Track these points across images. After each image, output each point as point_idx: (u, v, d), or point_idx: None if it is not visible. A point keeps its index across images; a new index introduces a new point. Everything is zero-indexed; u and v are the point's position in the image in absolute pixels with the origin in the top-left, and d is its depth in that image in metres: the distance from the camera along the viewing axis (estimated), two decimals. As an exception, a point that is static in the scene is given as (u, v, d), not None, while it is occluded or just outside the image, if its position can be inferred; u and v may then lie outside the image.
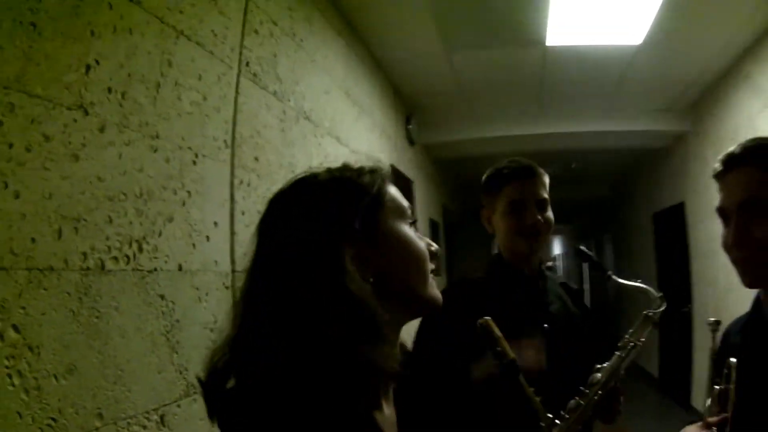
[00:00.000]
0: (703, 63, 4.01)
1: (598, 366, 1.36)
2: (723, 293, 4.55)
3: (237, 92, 1.81)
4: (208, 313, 1.59)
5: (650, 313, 1.42)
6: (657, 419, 5.18)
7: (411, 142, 4.53)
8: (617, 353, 1.38)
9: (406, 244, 0.78)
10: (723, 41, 3.62)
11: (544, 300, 1.59)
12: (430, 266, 0.81)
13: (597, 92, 4.54)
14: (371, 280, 0.73)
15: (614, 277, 1.53)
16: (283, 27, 2.11)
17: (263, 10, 1.93)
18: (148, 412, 1.25)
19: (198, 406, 1.45)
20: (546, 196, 1.57)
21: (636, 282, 1.51)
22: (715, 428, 1.04)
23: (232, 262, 1.78)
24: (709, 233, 4.85)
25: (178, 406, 1.36)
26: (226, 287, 1.72)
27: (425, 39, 3.35)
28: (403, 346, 0.82)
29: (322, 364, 0.67)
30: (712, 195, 4.53)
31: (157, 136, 1.41)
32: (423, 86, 4.21)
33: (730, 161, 1.10)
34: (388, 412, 0.77)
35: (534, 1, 3.02)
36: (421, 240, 0.80)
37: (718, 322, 1.18)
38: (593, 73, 4.11)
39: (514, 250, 1.55)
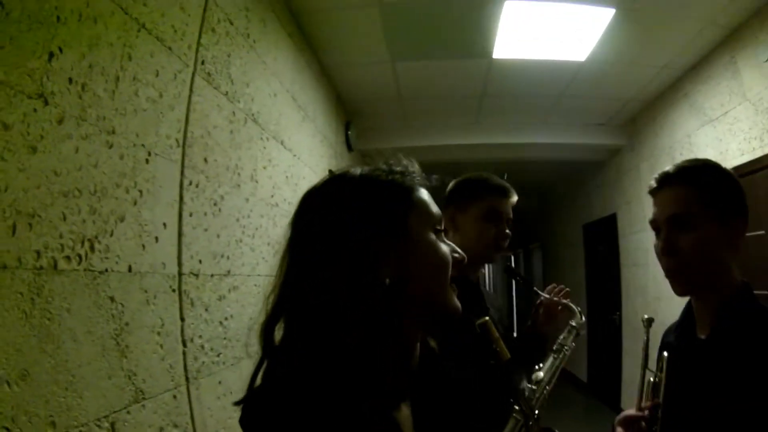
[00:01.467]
0: (644, 81, 4.20)
1: (537, 366, 1.52)
2: (652, 301, 4.80)
3: (191, 91, 1.76)
4: (155, 317, 1.54)
5: (574, 324, 1.66)
6: (587, 421, 5.43)
7: (350, 148, 4.55)
8: (552, 355, 1.56)
9: (429, 249, 0.79)
10: (664, 61, 3.82)
11: (485, 305, 1.69)
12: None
13: (537, 105, 4.70)
14: (388, 281, 0.74)
15: (540, 293, 1.76)
16: (239, 27, 2.07)
17: (221, 8, 1.89)
18: (99, 420, 1.19)
19: (147, 412, 1.39)
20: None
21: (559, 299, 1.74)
22: (647, 411, 1.18)
23: (179, 264, 1.72)
24: (639, 244, 5.15)
25: (128, 412, 1.30)
26: (173, 290, 1.67)
27: (373, 47, 3.39)
28: (427, 345, 0.84)
29: (340, 367, 0.70)
30: (645, 207, 4.88)
31: (113, 132, 1.36)
32: (364, 93, 4.25)
33: (663, 179, 1.23)
34: (405, 410, 0.79)
35: (485, 14, 3.10)
36: (446, 246, 0.81)
37: (651, 320, 1.35)
38: (535, 87, 4.24)
39: (480, 254, 1.62)
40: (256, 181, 2.45)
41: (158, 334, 1.54)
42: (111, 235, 1.36)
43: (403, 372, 0.79)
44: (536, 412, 1.39)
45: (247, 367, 2.17)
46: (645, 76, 4.11)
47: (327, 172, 4.11)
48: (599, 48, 3.49)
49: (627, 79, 4.16)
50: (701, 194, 1.15)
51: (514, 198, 1.73)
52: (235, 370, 2.00)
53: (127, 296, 1.40)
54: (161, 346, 1.54)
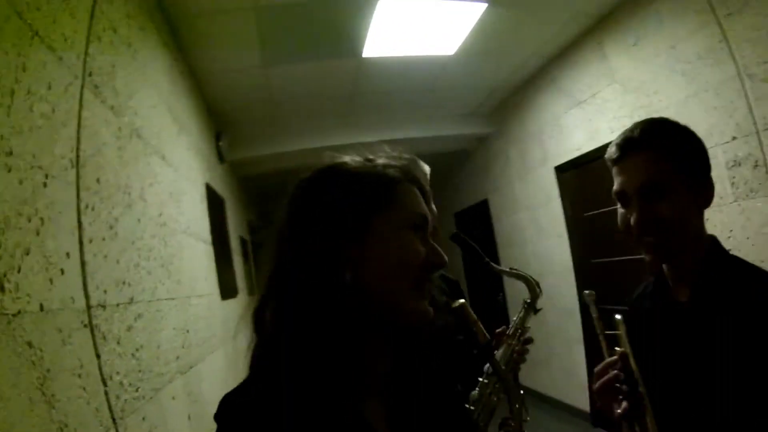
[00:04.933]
0: (512, 69, 4.43)
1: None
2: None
3: (81, 105, 1.59)
4: (74, 358, 1.37)
5: (529, 300, 1.54)
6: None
7: (221, 159, 4.37)
8: (508, 342, 1.49)
9: (393, 248, 0.77)
10: (532, 50, 4.06)
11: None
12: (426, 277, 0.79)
13: (407, 100, 4.82)
14: (348, 279, 0.74)
15: (492, 264, 1.57)
16: (122, 35, 1.91)
17: (107, 15, 1.73)
18: (44, 482, 1.04)
19: (86, 464, 1.24)
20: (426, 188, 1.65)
21: (514, 269, 1.59)
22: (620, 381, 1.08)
23: (86, 297, 1.55)
24: (514, 225, 5.50)
25: (69, 468, 1.15)
26: (85, 325, 1.50)
27: (246, 52, 3.30)
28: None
29: (300, 363, 0.71)
30: (515, 190, 5.22)
31: (11, 153, 1.19)
32: (236, 101, 4.12)
33: (627, 145, 1.12)
34: (377, 407, 0.79)
35: (358, 13, 3.13)
36: (420, 248, 0.78)
37: (593, 293, 1.26)
38: (406, 83, 4.35)
39: None
40: (145, 200, 2.27)
41: (79, 376, 1.37)
42: (19, 271, 1.19)
43: (371, 372, 0.79)
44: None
45: (165, 397, 2.01)
46: (513, 65, 4.34)
47: (204, 187, 3.92)
48: (469, 41, 3.66)
49: (495, 69, 4.38)
50: (671, 158, 1.08)
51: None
52: (154, 403, 1.84)
53: (43, 338, 1.23)
54: (84, 389, 1.38)
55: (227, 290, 3.85)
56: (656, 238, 1.08)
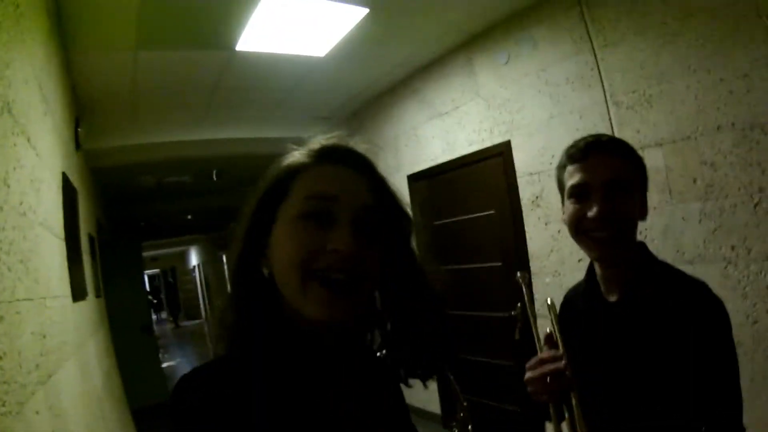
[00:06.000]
0: (377, 76, 4.46)
1: None
2: None
3: (-38, 69, 1.37)
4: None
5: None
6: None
7: (78, 146, 3.94)
8: None
9: (280, 238, 0.75)
10: (400, 59, 4.10)
11: None
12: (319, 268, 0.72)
13: (269, 99, 4.70)
14: (266, 273, 0.77)
15: None
16: (12, -8, 1.66)
17: (1, -32, 1.50)
18: None
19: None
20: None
21: None
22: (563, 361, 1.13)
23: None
24: None
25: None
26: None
27: (123, 31, 3.02)
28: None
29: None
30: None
31: None
32: (100, 84, 3.75)
33: (594, 146, 1.20)
34: (350, 404, 0.79)
35: (241, 4, 3.02)
36: (302, 238, 0.72)
37: (526, 274, 1.35)
38: (270, 81, 4.24)
39: None
40: (9, 186, 1.98)
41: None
42: None
43: (328, 365, 0.79)
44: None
45: (30, 412, 1.75)
46: (379, 72, 4.39)
47: (61, 176, 3.49)
48: (342, 45, 3.65)
49: (360, 74, 4.40)
50: (633, 164, 1.20)
51: None
52: (20, 419, 1.61)
53: None
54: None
55: (78, 292, 3.48)
56: (610, 233, 1.15)
